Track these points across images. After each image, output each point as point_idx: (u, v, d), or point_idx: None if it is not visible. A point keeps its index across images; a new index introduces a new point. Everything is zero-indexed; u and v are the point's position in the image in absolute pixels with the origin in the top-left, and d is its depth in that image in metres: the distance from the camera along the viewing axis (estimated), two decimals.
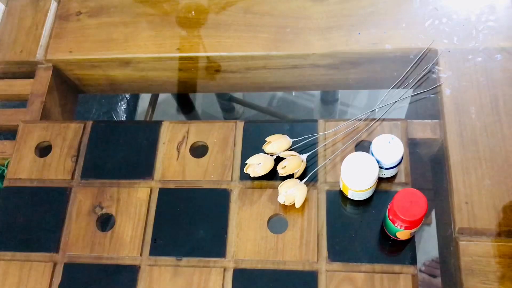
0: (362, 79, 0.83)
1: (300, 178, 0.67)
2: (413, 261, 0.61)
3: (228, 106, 1.44)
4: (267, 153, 0.68)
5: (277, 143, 0.68)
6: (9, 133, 0.83)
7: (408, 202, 0.56)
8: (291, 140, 0.69)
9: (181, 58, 0.81)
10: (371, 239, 0.63)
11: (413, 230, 0.59)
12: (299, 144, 0.69)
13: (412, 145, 0.70)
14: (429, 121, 0.71)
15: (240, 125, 0.73)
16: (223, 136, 0.72)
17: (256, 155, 0.68)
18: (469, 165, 0.65)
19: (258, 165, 0.67)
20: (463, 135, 0.67)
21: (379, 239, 0.63)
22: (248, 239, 0.65)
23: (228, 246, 0.65)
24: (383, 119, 0.70)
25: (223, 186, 0.69)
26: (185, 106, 1.41)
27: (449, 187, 0.65)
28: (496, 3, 0.76)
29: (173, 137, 0.73)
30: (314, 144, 0.69)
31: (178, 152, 0.72)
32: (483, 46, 0.73)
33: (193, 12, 0.83)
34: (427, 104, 0.75)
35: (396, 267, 0.61)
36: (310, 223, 0.64)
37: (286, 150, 0.68)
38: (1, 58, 0.85)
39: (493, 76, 0.70)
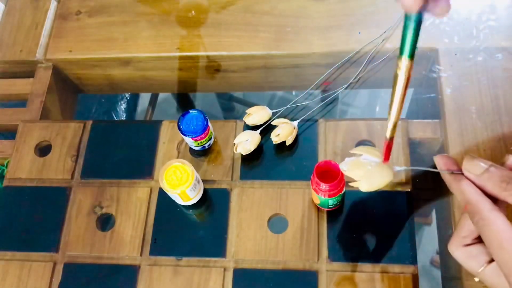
0: (362, 78, 0.83)
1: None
2: (413, 261, 0.61)
3: (228, 106, 1.44)
4: (249, 125, 0.71)
5: (257, 115, 0.70)
6: (9, 133, 0.83)
7: (325, 172, 0.59)
8: (271, 111, 0.71)
9: (181, 58, 0.81)
10: (371, 239, 0.63)
11: (339, 196, 0.60)
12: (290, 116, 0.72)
13: (412, 145, 0.70)
14: (430, 120, 0.71)
15: (240, 125, 0.73)
16: (223, 136, 0.72)
17: (242, 133, 0.69)
18: None
19: (246, 141, 0.68)
20: (464, 134, 0.67)
21: (379, 239, 0.63)
22: (248, 239, 0.65)
23: (228, 246, 0.65)
24: (383, 119, 0.69)
25: (223, 186, 0.69)
26: (185, 106, 1.41)
27: None
28: (497, 3, 0.75)
29: (173, 136, 0.73)
30: (303, 109, 0.74)
31: (178, 151, 0.72)
32: (483, 46, 0.72)
33: (193, 12, 0.83)
34: (427, 103, 0.75)
35: (396, 267, 0.61)
36: (310, 223, 0.64)
37: (267, 121, 0.71)
38: (0, 57, 0.85)
39: (494, 75, 0.70)
